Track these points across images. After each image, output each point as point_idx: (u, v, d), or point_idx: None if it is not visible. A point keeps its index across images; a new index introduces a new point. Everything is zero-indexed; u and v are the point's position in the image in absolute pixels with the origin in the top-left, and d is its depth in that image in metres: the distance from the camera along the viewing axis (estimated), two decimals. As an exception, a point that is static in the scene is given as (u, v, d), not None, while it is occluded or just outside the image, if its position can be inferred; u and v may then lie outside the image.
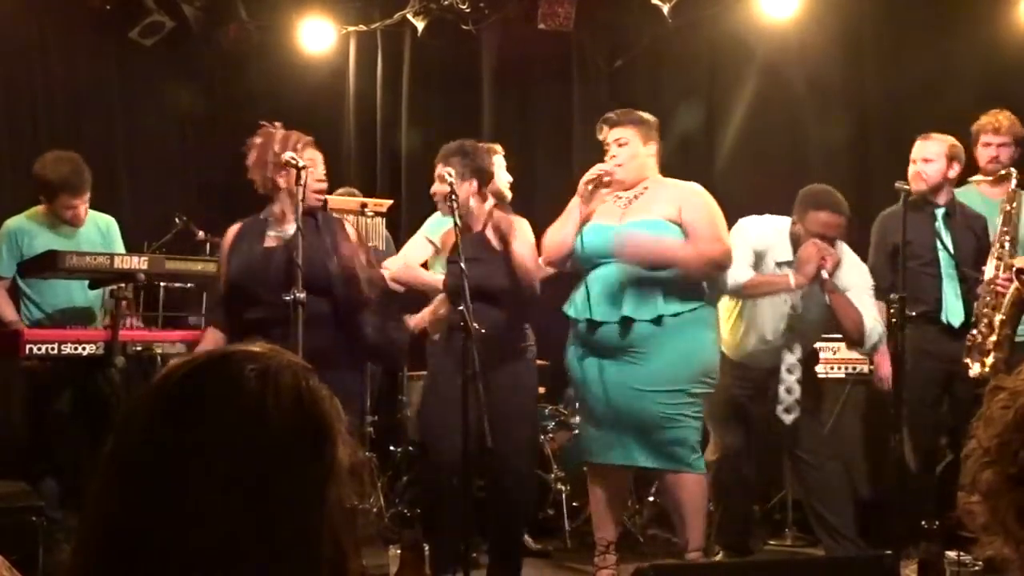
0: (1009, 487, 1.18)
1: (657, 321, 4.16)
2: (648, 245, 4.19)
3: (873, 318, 4.52)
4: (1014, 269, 4.51)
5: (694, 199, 4.28)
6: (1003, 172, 4.80)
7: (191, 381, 1.11)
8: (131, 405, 1.12)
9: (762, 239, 4.56)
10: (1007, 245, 4.62)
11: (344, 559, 1.09)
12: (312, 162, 3.96)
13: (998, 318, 4.51)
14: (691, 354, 4.19)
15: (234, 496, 1.04)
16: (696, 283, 4.23)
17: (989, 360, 4.51)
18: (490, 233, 4.41)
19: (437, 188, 4.38)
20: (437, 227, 4.65)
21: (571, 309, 4.35)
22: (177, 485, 1.04)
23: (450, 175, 4.22)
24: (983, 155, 4.98)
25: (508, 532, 4.51)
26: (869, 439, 5.34)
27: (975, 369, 4.54)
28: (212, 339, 4.02)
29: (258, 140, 3.96)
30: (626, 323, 4.19)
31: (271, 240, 3.98)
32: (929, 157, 4.78)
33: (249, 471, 1.05)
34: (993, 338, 4.52)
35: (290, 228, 3.88)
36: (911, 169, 4.78)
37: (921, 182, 4.71)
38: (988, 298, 4.57)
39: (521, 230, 4.42)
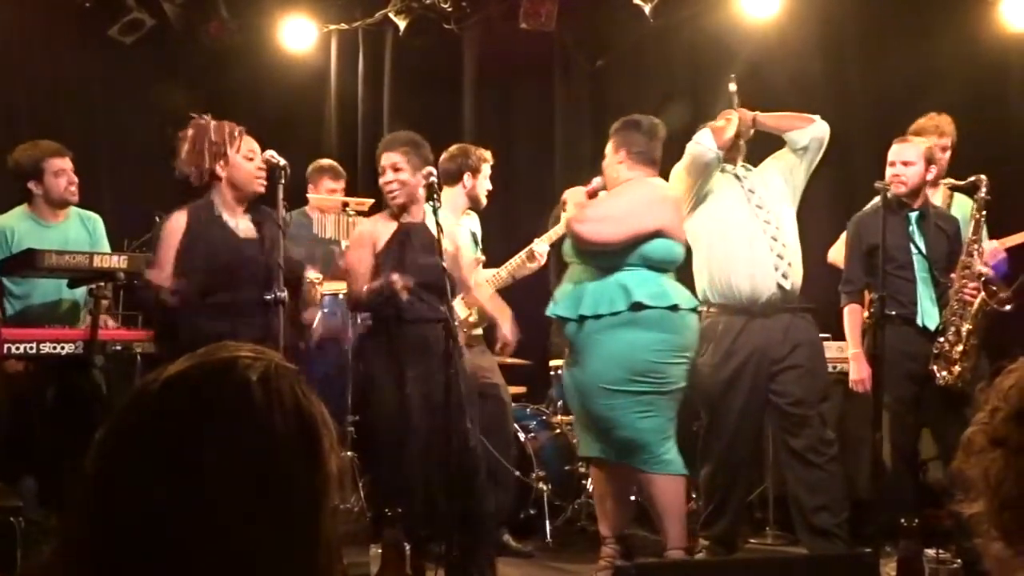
0: (990, 448, 1.23)
1: (580, 321, 4.32)
2: (578, 200, 4.53)
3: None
4: (981, 279, 4.54)
5: (615, 191, 4.51)
6: (973, 179, 4.80)
7: (194, 388, 1.08)
8: (127, 410, 1.09)
9: None
10: (975, 254, 4.63)
11: (332, 561, 1.09)
12: (252, 152, 4.02)
13: (965, 328, 4.54)
14: (619, 355, 4.26)
15: (245, 502, 1.03)
16: (624, 289, 4.28)
17: (956, 369, 4.55)
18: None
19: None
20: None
21: None
22: (180, 495, 1.02)
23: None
24: None
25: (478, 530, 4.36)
26: (848, 438, 5.36)
27: (942, 377, 4.57)
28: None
29: (190, 132, 3.98)
30: (561, 321, 4.44)
31: (243, 231, 4.01)
32: (909, 160, 4.74)
33: (259, 479, 1.04)
34: (960, 348, 4.55)
35: (243, 219, 3.99)
36: (888, 172, 4.75)
37: (900, 184, 4.67)
38: (956, 306, 4.59)
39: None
